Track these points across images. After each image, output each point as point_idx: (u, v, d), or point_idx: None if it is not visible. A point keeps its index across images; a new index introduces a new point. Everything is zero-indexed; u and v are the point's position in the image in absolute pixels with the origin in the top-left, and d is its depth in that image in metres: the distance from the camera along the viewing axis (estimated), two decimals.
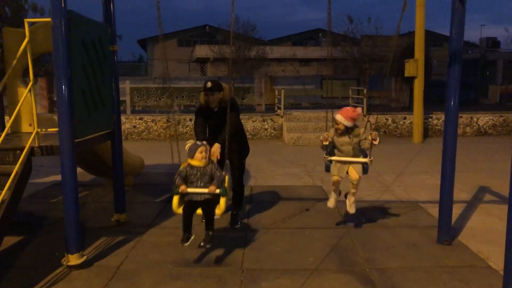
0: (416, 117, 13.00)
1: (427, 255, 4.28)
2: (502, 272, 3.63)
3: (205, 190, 3.85)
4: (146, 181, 7.44)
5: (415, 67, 12.32)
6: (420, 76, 12.49)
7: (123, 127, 13.65)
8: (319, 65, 30.17)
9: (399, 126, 14.36)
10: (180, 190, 3.85)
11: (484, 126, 14.64)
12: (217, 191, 3.83)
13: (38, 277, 3.76)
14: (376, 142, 4.34)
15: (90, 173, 7.14)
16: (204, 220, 4.06)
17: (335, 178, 4.61)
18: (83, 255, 4.00)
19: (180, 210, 3.91)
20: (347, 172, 4.57)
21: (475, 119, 14.60)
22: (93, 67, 4.43)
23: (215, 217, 3.98)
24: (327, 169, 4.63)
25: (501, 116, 14.66)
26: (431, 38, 26.62)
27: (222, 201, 3.92)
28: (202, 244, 3.87)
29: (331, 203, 4.85)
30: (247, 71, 21.99)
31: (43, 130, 4.17)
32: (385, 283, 3.69)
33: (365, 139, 4.48)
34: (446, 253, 4.31)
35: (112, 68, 4.92)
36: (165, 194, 6.55)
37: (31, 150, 4.04)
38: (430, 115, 14.30)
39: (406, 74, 12.65)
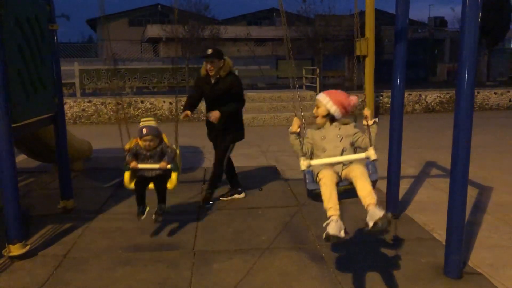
0: (367, 96, 13.25)
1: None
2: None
3: (156, 166, 3.96)
4: (95, 166, 7.21)
5: (366, 46, 12.50)
6: (371, 55, 12.68)
7: (71, 111, 13.18)
8: (274, 45, 30.15)
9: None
10: (130, 166, 3.93)
11: (432, 103, 15.14)
12: (168, 166, 3.94)
13: None
14: (371, 122, 2.82)
15: (35, 159, 6.84)
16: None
17: (325, 173, 2.73)
18: (26, 245, 3.82)
19: (132, 185, 4.00)
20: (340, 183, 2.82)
21: (423, 97, 15.07)
22: (30, 47, 4.17)
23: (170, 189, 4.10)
24: (310, 191, 2.83)
25: (448, 93, 15.20)
26: (383, 17, 27.14)
27: (174, 175, 4.02)
28: (154, 217, 4.06)
29: (332, 228, 2.62)
30: (201, 52, 21.64)
31: None
32: (334, 258, 3.76)
33: (358, 132, 3.00)
34: (393, 227, 4.43)
35: (51, 48, 4.67)
36: (115, 179, 6.37)
37: None
38: (381, 93, 14.64)
39: (357, 53, 12.80)
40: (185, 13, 20.51)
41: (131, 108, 13.47)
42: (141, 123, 4.02)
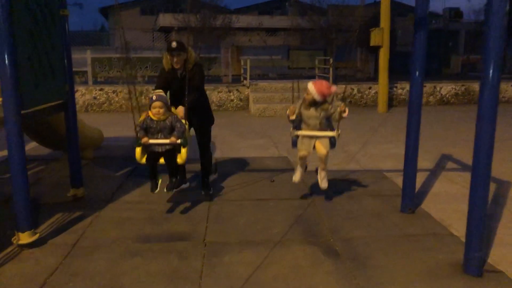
0: (381, 87, 13.06)
1: (391, 224, 4.28)
2: (463, 239, 3.66)
3: (166, 141, 4.09)
4: (106, 154, 7.15)
5: (380, 36, 12.28)
6: (386, 45, 12.47)
7: (82, 99, 13.19)
8: (286, 35, 29.80)
9: (365, 95, 14.42)
10: (142, 142, 4.07)
11: (447, 95, 14.89)
12: (178, 141, 4.06)
13: None
14: (345, 115, 4.11)
15: (45, 147, 6.81)
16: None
17: (302, 153, 4.36)
18: (36, 233, 3.77)
19: (144, 160, 4.17)
20: (314, 147, 4.35)
21: (438, 88, 14.82)
22: (40, 32, 4.09)
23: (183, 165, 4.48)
24: (294, 144, 4.43)
25: (463, 85, 14.93)
26: (396, 8, 26.64)
27: (184, 150, 4.14)
28: (165, 189, 4.26)
29: (296, 177, 4.60)
30: (212, 41, 21.48)
31: None
32: (349, 253, 3.66)
33: (333, 112, 4.23)
34: (409, 222, 4.32)
35: (62, 34, 4.58)
36: (126, 168, 6.32)
37: None
38: (395, 85, 14.42)
39: (372, 43, 12.60)
40: (197, 2, 20.34)
41: (143, 97, 13.42)
42: (151, 94, 4.19)
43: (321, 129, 4.31)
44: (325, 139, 4.31)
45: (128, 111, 13.35)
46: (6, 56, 3.46)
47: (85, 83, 14.80)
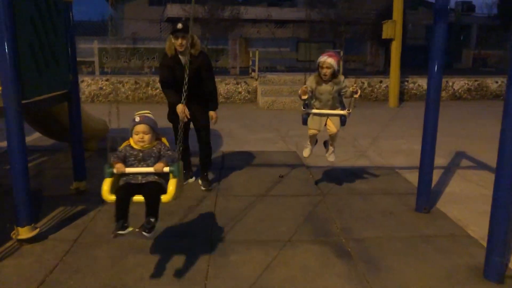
0: (392, 81, 12.81)
1: (405, 223, 4.11)
2: (482, 241, 3.50)
3: (150, 169, 2.88)
4: (110, 146, 7.00)
5: (393, 29, 12.02)
6: (398, 38, 12.21)
7: (88, 89, 13.05)
8: (295, 27, 29.45)
9: (375, 89, 14.17)
10: (115, 170, 2.86)
11: (459, 91, 14.60)
12: (166, 169, 2.84)
13: None
14: (356, 96, 4.23)
15: (49, 138, 6.68)
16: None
17: (312, 131, 4.43)
18: (36, 228, 3.63)
19: (113, 198, 2.83)
20: (325, 125, 4.41)
21: (450, 83, 14.53)
22: (43, 19, 3.94)
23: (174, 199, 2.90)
24: (304, 122, 4.45)
25: (476, 81, 14.63)
26: (406, 0, 26.20)
27: (172, 183, 2.83)
28: (138, 230, 2.81)
29: (306, 153, 4.70)
30: (220, 32, 21.26)
31: None
32: (361, 254, 3.49)
33: (345, 86, 4.32)
34: (425, 222, 4.14)
35: (66, 22, 4.42)
36: None
37: None
38: (406, 79, 14.15)
39: (384, 36, 12.33)
40: None
41: (149, 88, 13.28)
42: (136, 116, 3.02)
43: (332, 106, 4.38)
44: (336, 117, 4.38)
45: (135, 102, 13.24)
46: (6, 43, 3.31)
47: (92, 73, 14.66)
